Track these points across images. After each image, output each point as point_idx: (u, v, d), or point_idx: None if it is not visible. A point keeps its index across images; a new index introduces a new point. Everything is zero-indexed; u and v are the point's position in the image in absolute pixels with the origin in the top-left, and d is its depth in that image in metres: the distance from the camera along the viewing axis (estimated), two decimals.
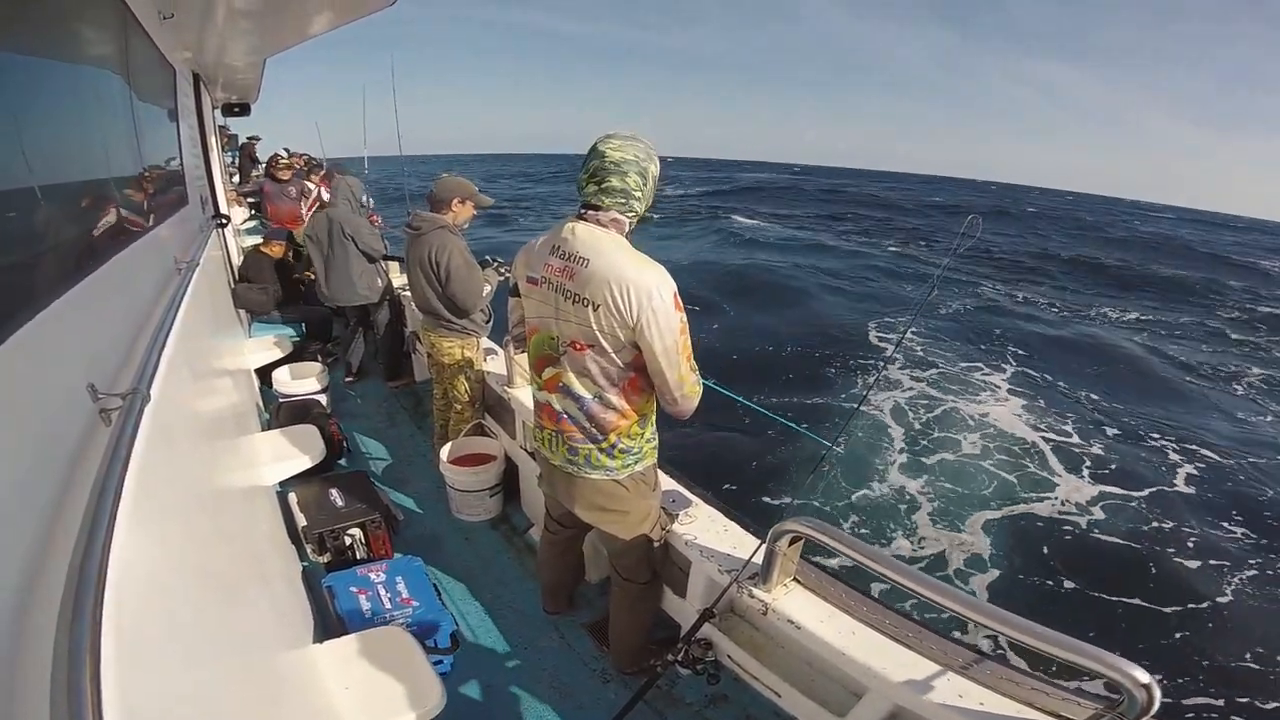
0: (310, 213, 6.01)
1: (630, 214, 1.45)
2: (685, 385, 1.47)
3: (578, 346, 1.47)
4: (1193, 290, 17.95)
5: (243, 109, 6.43)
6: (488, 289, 2.92)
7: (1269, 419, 8.53)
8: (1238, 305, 16.48)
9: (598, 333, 1.42)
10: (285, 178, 6.29)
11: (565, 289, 1.44)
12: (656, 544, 1.84)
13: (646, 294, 1.35)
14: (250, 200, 8.58)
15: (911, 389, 8.24)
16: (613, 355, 1.45)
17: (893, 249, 21.06)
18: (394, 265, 4.58)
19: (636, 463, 1.63)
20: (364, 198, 4.17)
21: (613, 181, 1.40)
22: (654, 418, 1.66)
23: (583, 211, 1.46)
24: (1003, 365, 9.53)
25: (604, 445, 1.57)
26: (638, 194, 1.43)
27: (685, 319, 1.43)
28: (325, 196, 5.65)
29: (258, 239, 7.61)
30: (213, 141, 4.97)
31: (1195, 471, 6.59)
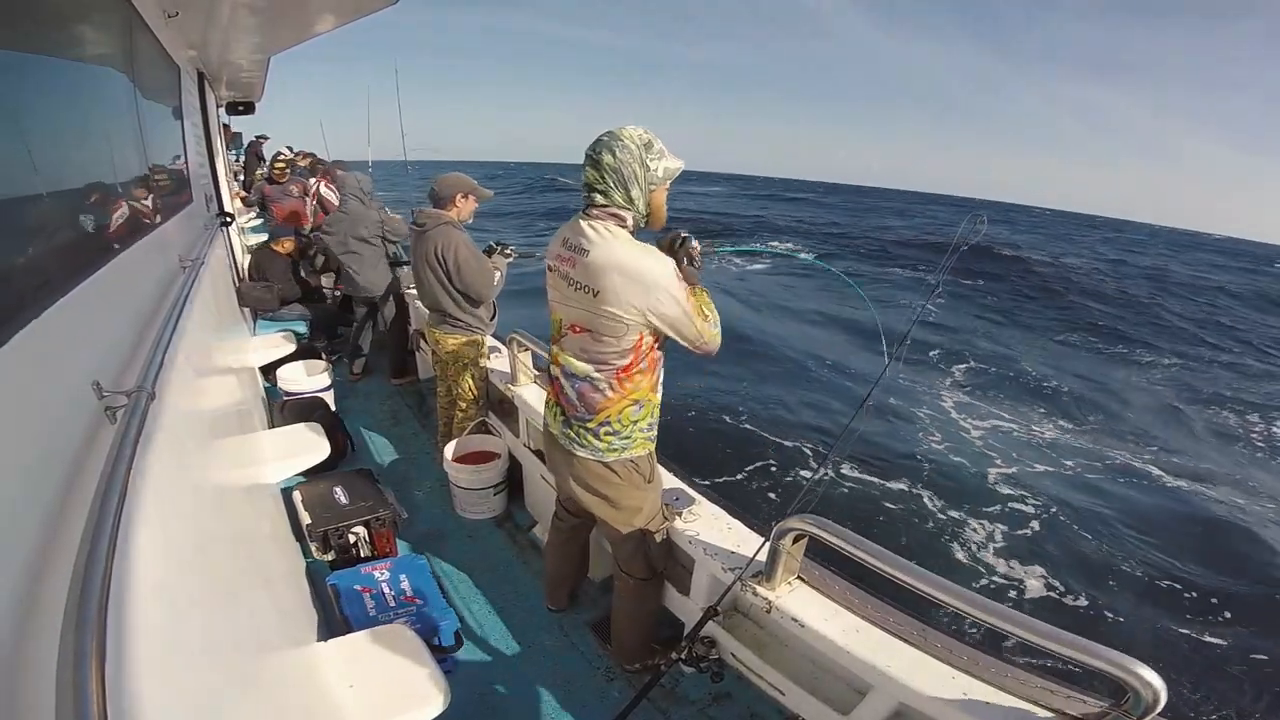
0: (311, 204, 6.08)
1: (629, 208, 1.54)
2: (704, 336, 1.59)
3: (575, 329, 1.60)
4: None
5: (247, 107, 6.44)
6: (498, 275, 2.93)
7: None
8: None
9: (595, 317, 1.53)
10: (282, 179, 6.41)
11: (570, 277, 1.57)
12: (658, 539, 1.84)
13: (652, 281, 1.48)
14: (252, 205, 8.65)
15: (915, 389, 8.22)
16: (607, 339, 1.55)
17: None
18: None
19: (624, 450, 1.68)
20: (372, 191, 4.29)
21: (609, 183, 1.51)
22: (654, 409, 1.71)
23: (586, 209, 1.56)
24: (1017, 375, 9.48)
25: (590, 425, 1.66)
26: (635, 190, 1.52)
27: (687, 287, 1.53)
28: (325, 192, 5.71)
29: (263, 237, 7.66)
30: (217, 140, 4.98)
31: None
